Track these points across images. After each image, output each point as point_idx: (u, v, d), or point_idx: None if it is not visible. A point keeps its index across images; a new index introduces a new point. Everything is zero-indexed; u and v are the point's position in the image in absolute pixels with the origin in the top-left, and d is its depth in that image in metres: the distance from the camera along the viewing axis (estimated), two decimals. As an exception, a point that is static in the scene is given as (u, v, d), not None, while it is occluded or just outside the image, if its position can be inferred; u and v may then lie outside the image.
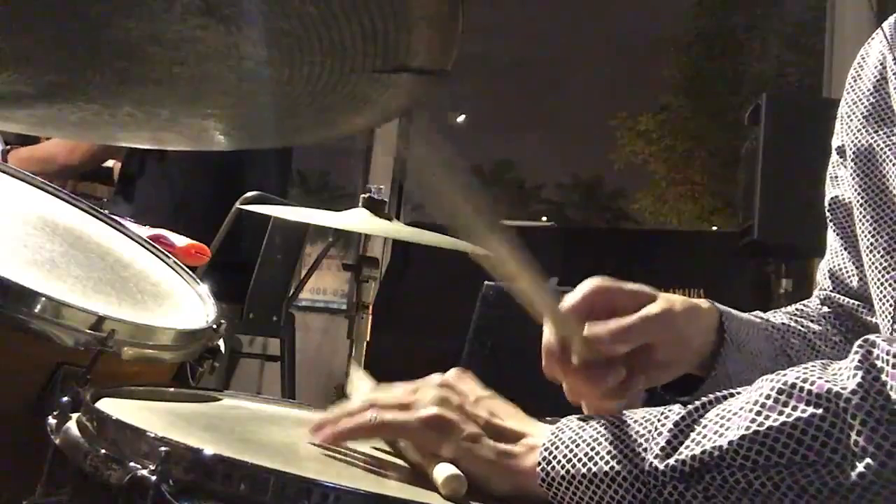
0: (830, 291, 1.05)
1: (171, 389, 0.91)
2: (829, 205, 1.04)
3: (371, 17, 0.46)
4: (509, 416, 0.74)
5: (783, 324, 0.98)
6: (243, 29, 0.48)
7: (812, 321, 1.01)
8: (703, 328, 0.87)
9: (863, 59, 1.00)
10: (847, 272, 1.02)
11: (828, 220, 1.04)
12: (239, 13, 0.47)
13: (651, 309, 0.81)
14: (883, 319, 0.88)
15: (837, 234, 1.03)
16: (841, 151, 1.01)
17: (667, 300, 0.83)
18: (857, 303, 1.02)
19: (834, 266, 1.04)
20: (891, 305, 0.87)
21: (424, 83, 0.52)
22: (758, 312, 1.00)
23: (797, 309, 1.05)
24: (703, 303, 0.89)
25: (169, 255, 1.27)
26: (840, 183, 1.02)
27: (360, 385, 0.93)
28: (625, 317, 0.80)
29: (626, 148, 20.20)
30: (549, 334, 0.81)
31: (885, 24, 0.94)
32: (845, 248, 1.02)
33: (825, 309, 1.04)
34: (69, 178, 2.75)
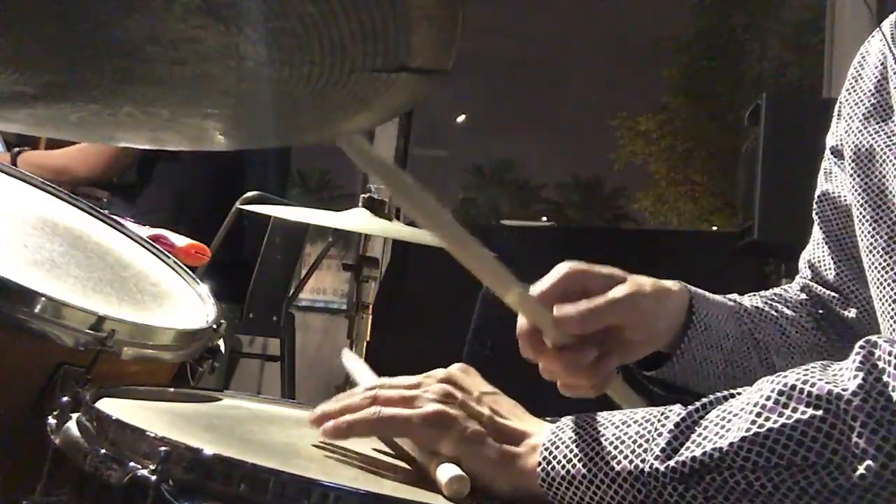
0: (809, 280, 1.06)
1: (171, 389, 0.91)
2: (818, 198, 1.05)
3: (371, 16, 0.46)
4: (512, 413, 0.74)
5: (755, 307, 1.00)
6: (243, 29, 0.48)
7: (787, 306, 1.03)
8: (671, 309, 0.90)
9: (863, 57, 1.00)
10: (825, 265, 1.04)
11: (814, 213, 1.06)
12: (239, 13, 0.47)
13: (618, 291, 0.84)
14: (883, 319, 0.88)
15: (821, 228, 1.05)
16: (837, 151, 1.01)
17: (635, 282, 0.86)
18: (832, 294, 1.03)
19: (814, 258, 1.06)
20: (890, 305, 0.87)
21: (424, 83, 0.52)
22: (733, 295, 1.01)
23: (775, 294, 1.06)
24: (673, 284, 0.91)
25: (169, 255, 1.27)
26: (833, 179, 1.02)
27: (360, 370, 0.93)
28: (592, 298, 0.82)
29: (626, 148, 20.20)
30: (521, 320, 0.83)
31: (885, 23, 0.94)
32: (826, 242, 1.04)
33: (803, 296, 1.06)
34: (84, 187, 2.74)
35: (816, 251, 1.05)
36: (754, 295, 1.04)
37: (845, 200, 0.99)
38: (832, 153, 1.03)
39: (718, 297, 0.97)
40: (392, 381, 0.78)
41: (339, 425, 0.73)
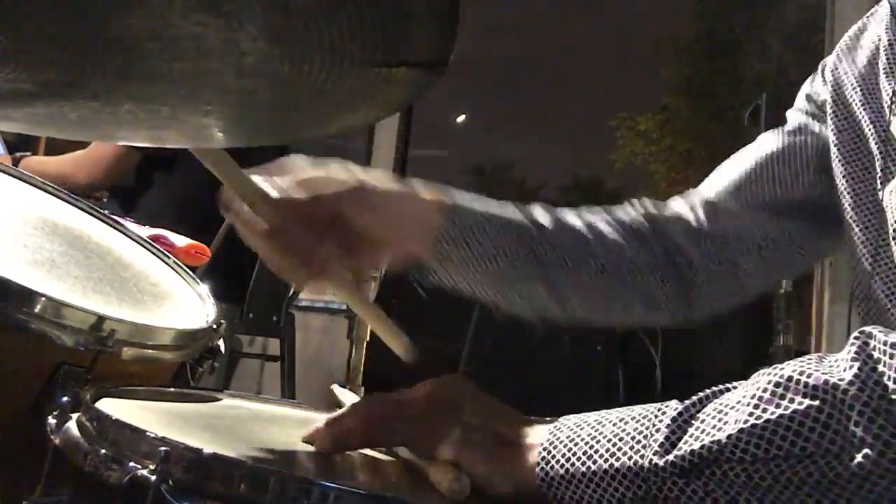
0: (692, 217, 1.03)
1: (171, 389, 0.91)
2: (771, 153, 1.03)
3: (371, 10, 0.46)
4: (505, 416, 0.74)
5: (559, 221, 0.96)
6: (243, 24, 0.48)
7: (614, 225, 0.99)
8: (414, 213, 0.87)
9: (860, 30, 0.99)
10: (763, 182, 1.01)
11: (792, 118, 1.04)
12: (239, 8, 0.47)
13: (345, 182, 0.83)
14: (860, 244, 0.89)
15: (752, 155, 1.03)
16: (812, 99, 1.01)
17: (369, 177, 0.84)
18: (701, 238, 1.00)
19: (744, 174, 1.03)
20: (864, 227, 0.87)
21: (424, 78, 0.51)
22: (536, 210, 0.97)
23: (616, 218, 1.02)
24: (423, 191, 0.88)
25: (169, 255, 1.27)
26: (806, 131, 1.01)
27: (348, 398, 0.94)
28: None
29: (626, 148, 20.18)
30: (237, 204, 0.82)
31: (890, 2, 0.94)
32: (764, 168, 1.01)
33: (644, 223, 1.02)
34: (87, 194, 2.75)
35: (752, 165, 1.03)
36: (588, 211, 1.01)
37: (814, 153, 0.98)
38: (808, 100, 1.03)
39: (490, 209, 0.93)
40: (383, 395, 0.78)
41: (334, 440, 0.72)
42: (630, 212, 1.03)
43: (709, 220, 1.02)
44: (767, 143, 1.04)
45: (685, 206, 1.05)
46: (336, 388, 1.02)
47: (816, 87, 1.02)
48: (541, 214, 0.97)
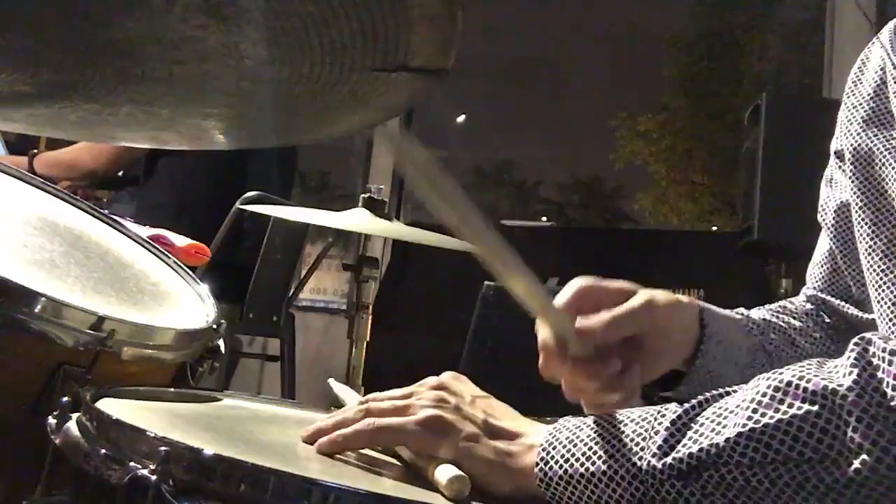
0: (818, 291, 1.06)
1: (172, 389, 0.91)
2: (821, 207, 1.05)
3: (371, 15, 0.46)
4: (505, 415, 0.74)
5: (763, 319, 1.00)
6: (244, 28, 0.48)
7: (794, 317, 1.03)
8: (684, 322, 0.90)
9: (863, 63, 1.00)
10: (837, 274, 1.04)
11: (820, 220, 1.05)
12: (239, 12, 0.47)
13: (635, 301, 0.84)
14: (881, 321, 0.89)
15: (828, 236, 1.04)
16: (840, 155, 1.01)
17: (649, 294, 0.86)
18: (844, 304, 1.03)
19: (823, 269, 1.06)
20: (888, 307, 0.87)
21: (424, 82, 0.52)
22: (741, 309, 1.02)
23: (780, 306, 1.06)
24: (684, 298, 0.91)
25: (169, 255, 1.27)
26: (836, 185, 1.02)
27: (347, 395, 0.94)
28: (613, 309, 0.83)
29: (626, 148, 20.16)
30: (544, 333, 0.83)
31: (884, 31, 0.94)
32: (839, 251, 1.02)
33: (809, 306, 1.06)
34: (94, 183, 2.78)
35: (827, 261, 1.05)
36: (760, 308, 1.05)
37: (847, 204, 0.99)
38: (835, 156, 1.03)
39: (726, 311, 0.97)
40: (383, 394, 0.78)
41: (334, 440, 0.72)
42: (789, 306, 1.08)
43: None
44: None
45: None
46: (333, 383, 1.01)
47: (840, 135, 1.02)
48: (753, 312, 1.03)
